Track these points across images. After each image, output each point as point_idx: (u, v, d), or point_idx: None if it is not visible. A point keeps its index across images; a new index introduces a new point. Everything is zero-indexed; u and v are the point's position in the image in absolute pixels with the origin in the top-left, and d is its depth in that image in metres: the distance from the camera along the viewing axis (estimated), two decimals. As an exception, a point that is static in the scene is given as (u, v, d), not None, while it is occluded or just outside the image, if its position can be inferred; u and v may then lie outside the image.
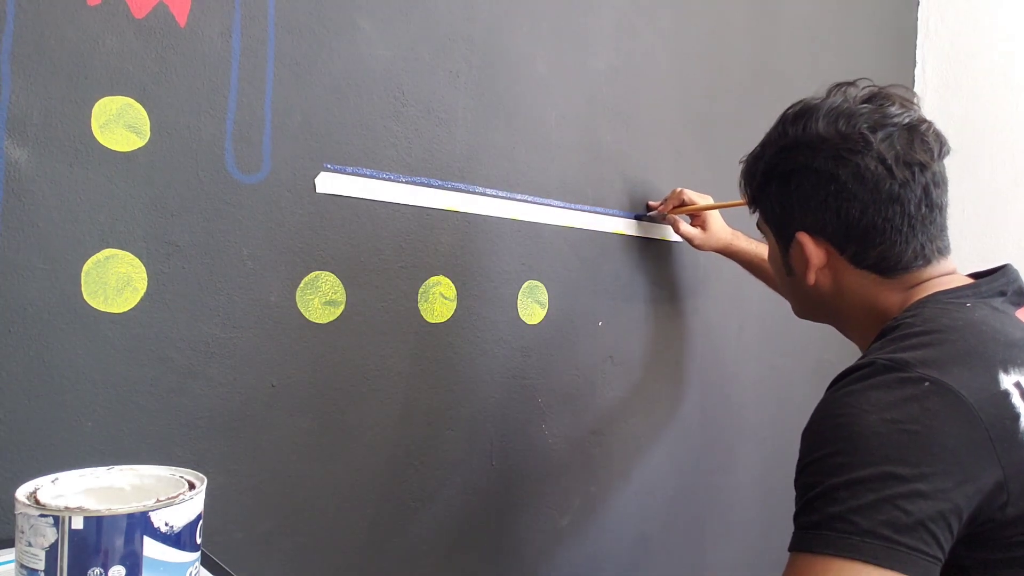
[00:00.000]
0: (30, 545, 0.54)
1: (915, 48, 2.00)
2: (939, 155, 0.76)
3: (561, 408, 1.24)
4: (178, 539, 0.58)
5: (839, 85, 0.81)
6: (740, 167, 0.88)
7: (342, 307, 1.00)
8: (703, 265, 1.46)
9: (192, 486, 0.63)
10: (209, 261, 0.90)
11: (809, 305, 0.86)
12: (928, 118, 0.78)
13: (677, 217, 1.32)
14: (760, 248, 1.31)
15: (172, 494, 0.59)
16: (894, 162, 0.74)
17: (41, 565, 0.54)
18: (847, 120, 0.76)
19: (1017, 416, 0.62)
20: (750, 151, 0.86)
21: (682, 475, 1.39)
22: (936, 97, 1.99)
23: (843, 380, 0.68)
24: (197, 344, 0.89)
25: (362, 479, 1.03)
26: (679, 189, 1.31)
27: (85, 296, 0.82)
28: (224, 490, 0.91)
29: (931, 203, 0.76)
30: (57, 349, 0.81)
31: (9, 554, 0.64)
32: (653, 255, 1.37)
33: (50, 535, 0.54)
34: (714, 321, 1.47)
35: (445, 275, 1.10)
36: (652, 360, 1.38)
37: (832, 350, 1.70)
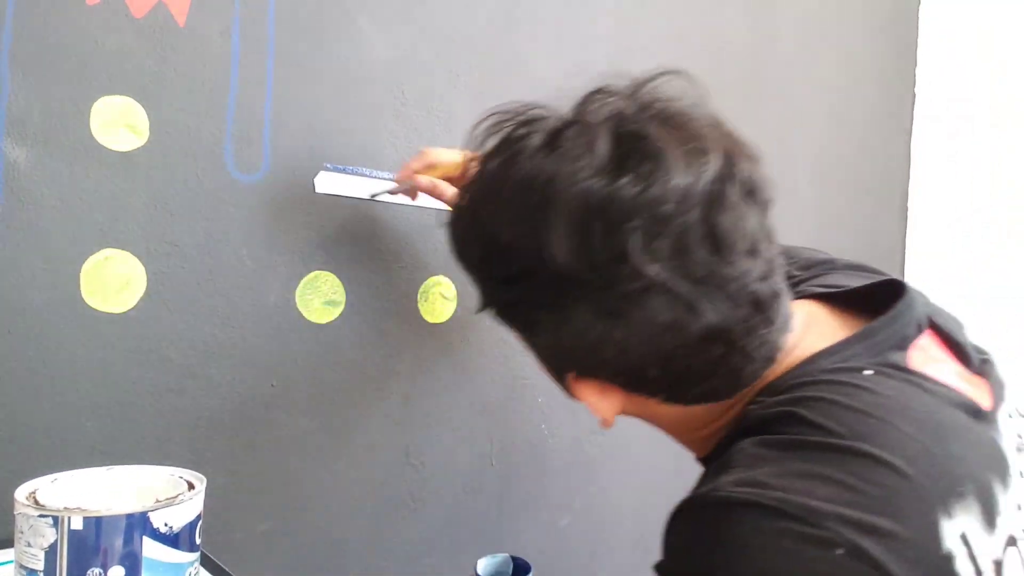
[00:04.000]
0: (29, 545, 0.54)
1: (915, 48, 1.99)
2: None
3: (561, 408, 1.24)
4: (177, 539, 0.58)
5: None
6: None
7: (342, 307, 1.00)
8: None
9: (191, 486, 0.63)
10: (208, 261, 0.90)
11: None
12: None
13: (435, 180, 0.90)
14: None
15: (171, 494, 0.59)
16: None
17: (40, 565, 0.54)
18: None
19: None
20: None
21: (682, 475, 1.38)
22: (937, 97, 1.99)
23: (700, 517, 0.46)
24: (196, 344, 0.89)
25: (362, 479, 1.03)
26: (425, 149, 0.91)
27: (84, 296, 0.82)
28: (224, 490, 0.91)
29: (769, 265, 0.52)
30: (56, 349, 0.81)
31: (8, 554, 0.64)
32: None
33: (49, 535, 0.54)
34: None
35: (445, 275, 1.09)
36: (652, 360, 1.37)
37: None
